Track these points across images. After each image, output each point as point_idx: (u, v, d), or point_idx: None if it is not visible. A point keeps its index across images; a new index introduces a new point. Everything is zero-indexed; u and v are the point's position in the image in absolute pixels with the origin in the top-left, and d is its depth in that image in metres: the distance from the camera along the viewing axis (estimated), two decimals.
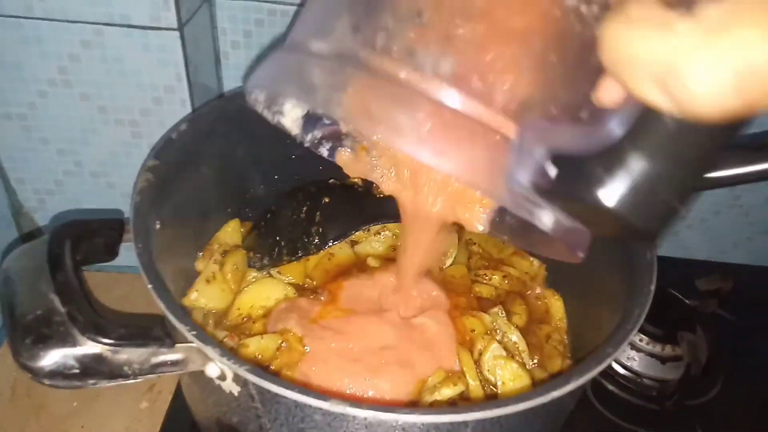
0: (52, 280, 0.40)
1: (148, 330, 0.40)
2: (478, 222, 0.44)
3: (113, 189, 0.77)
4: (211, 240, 0.67)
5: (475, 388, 0.55)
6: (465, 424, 0.37)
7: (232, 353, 0.39)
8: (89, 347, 0.38)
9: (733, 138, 0.33)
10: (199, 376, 0.42)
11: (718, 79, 0.26)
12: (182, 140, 0.58)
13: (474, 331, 0.60)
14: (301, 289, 0.65)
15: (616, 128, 0.33)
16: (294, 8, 0.72)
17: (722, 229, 0.94)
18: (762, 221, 0.92)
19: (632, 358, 0.74)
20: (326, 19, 0.38)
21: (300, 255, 0.65)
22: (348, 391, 0.53)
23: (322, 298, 0.62)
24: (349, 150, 0.50)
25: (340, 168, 0.74)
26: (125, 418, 0.69)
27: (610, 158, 0.33)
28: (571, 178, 0.34)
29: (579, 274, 0.63)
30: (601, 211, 0.33)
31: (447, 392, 0.54)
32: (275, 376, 0.38)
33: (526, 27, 0.34)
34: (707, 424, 0.70)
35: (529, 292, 0.68)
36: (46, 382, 0.38)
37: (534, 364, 0.61)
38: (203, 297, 0.60)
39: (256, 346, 0.55)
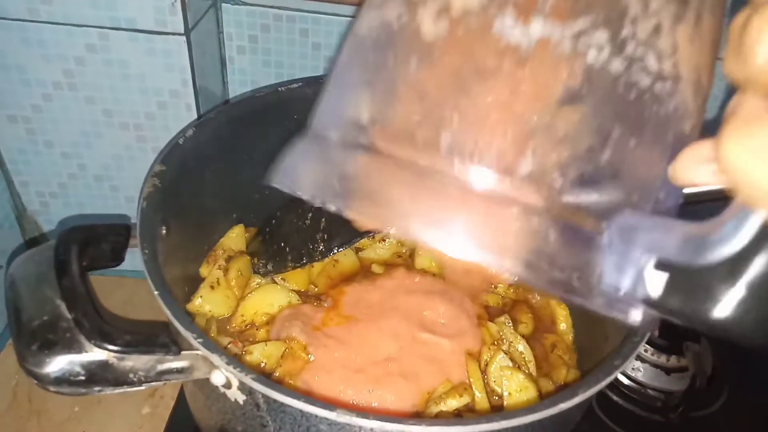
0: (58, 285, 0.40)
1: (153, 337, 0.40)
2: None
3: (117, 193, 0.76)
4: (216, 245, 0.67)
5: (481, 399, 0.55)
6: None
7: (238, 361, 0.39)
8: (95, 354, 0.38)
9: None
10: (204, 383, 0.42)
11: None
12: (188, 146, 0.58)
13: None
14: (304, 296, 0.65)
15: (728, 235, 0.28)
16: (300, 14, 0.72)
17: None
18: None
19: (637, 368, 0.73)
20: (342, 108, 0.36)
21: (305, 261, 0.64)
22: (351, 402, 0.53)
23: (325, 304, 0.61)
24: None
25: None
26: (127, 423, 0.69)
27: (727, 269, 0.28)
28: (677, 289, 0.30)
29: None
30: (713, 327, 0.31)
31: (453, 403, 0.53)
32: (281, 385, 0.38)
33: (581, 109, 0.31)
34: None
35: (534, 301, 0.68)
36: (52, 388, 0.38)
37: (542, 374, 0.60)
38: (207, 303, 0.60)
39: (260, 353, 0.55)
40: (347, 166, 0.33)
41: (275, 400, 0.38)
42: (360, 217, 0.34)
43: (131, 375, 0.39)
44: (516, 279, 0.41)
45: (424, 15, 0.31)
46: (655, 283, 0.30)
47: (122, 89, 0.67)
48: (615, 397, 0.73)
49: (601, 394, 0.72)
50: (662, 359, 0.72)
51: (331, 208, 0.35)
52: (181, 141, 0.57)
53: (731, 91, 0.27)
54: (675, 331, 0.74)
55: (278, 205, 0.71)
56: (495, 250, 0.30)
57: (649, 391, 0.73)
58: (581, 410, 0.47)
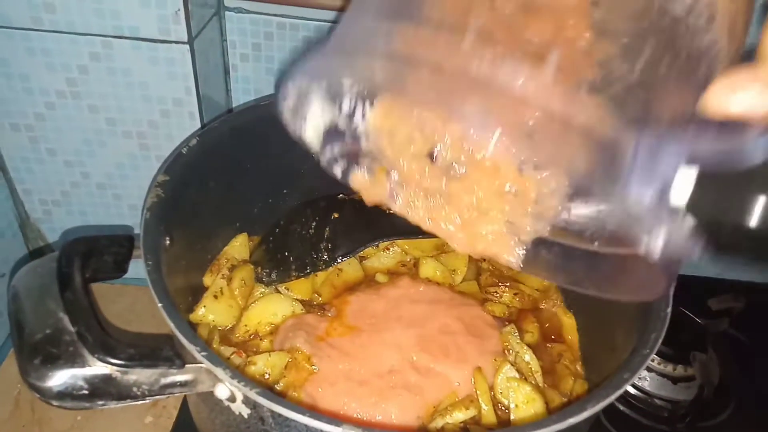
0: (61, 298, 0.40)
1: (157, 350, 0.39)
2: (512, 257, 0.42)
3: (120, 201, 0.76)
4: (219, 255, 0.67)
5: (488, 412, 0.54)
6: None
7: (242, 375, 0.39)
8: (98, 368, 0.37)
9: None
10: (208, 396, 0.42)
11: None
12: (192, 155, 0.57)
13: None
14: (308, 305, 0.64)
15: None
16: (303, 22, 0.71)
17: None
18: None
19: (643, 378, 0.73)
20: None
21: (308, 271, 0.64)
22: (355, 415, 0.52)
23: (329, 314, 0.61)
24: (366, 171, 0.48)
25: (346, 185, 0.74)
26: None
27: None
28: (705, 199, 0.30)
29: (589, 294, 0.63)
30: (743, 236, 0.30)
31: (459, 416, 0.53)
32: (286, 400, 0.37)
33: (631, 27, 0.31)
34: None
35: (540, 309, 0.67)
36: (55, 403, 0.37)
37: (549, 384, 0.60)
38: (210, 313, 0.60)
39: (263, 364, 0.55)
40: (377, 61, 0.34)
41: (280, 415, 0.37)
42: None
43: (135, 389, 0.38)
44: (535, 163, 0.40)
45: None
46: (683, 192, 0.30)
47: (125, 98, 0.66)
48: (621, 407, 0.72)
49: (608, 405, 0.71)
50: (669, 368, 0.71)
51: (368, 88, 0.35)
52: (184, 151, 0.57)
53: None
54: (682, 340, 0.73)
55: (281, 214, 0.70)
56: (519, 134, 0.30)
57: (656, 400, 0.72)
58: (589, 423, 0.47)
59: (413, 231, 0.66)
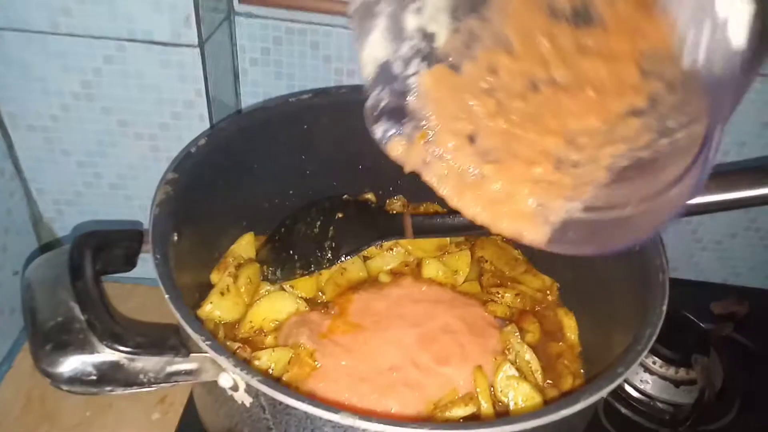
0: (72, 288, 0.41)
1: (163, 339, 0.41)
2: (537, 236, 0.43)
3: (131, 201, 0.78)
4: (226, 253, 0.68)
5: (487, 409, 0.55)
6: None
7: (245, 364, 0.40)
8: (107, 355, 0.39)
9: None
10: (212, 386, 0.43)
11: None
12: (200, 155, 0.59)
13: None
14: (312, 303, 0.66)
15: None
16: (311, 27, 0.73)
17: (738, 252, 0.93)
18: None
19: (645, 381, 0.73)
20: None
21: (312, 269, 0.65)
22: None
23: (332, 312, 0.62)
24: (406, 137, 0.48)
25: (354, 184, 0.75)
26: (137, 428, 0.70)
27: None
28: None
29: (591, 292, 0.64)
30: None
31: (458, 412, 0.54)
32: (286, 388, 0.39)
33: None
34: None
35: (541, 309, 0.68)
36: (65, 387, 0.39)
37: (549, 383, 0.60)
38: (217, 309, 0.61)
39: (267, 358, 0.56)
40: None
41: (281, 403, 0.38)
42: None
43: (141, 376, 0.40)
44: None
45: None
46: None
47: (138, 100, 0.68)
48: (623, 410, 0.73)
49: (609, 407, 0.72)
50: (671, 371, 0.72)
51: None
52: (193, 150, 0.59)
53: None
54: (684, 343, 0.73)
55: (288, 214, 0.72)
56: None
57: (658, 403, 0.72)
58: (585, 418, 0.48)
59: (417, 231, 0.68)
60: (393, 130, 0.50)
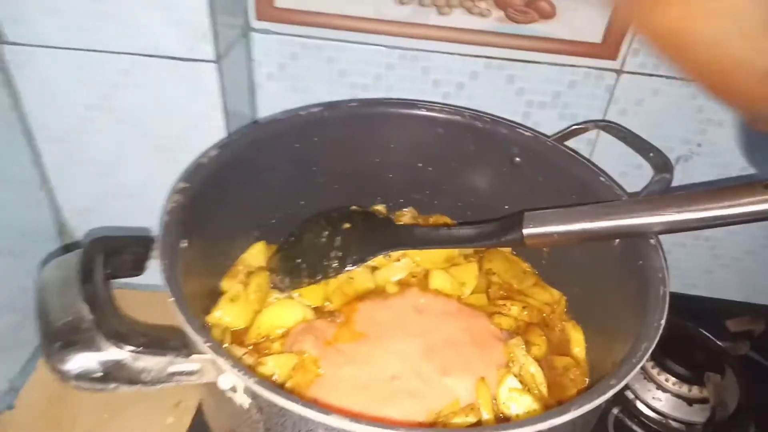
0: (81, 290, 0.43)
1: (166, 340, 0.42)
2: None
3: (150, 209, 0.79)
4: (237, 261, 0.70)
5: (489, 421, 0.55)
6: None
7: (242, 365, 0.41)
8: (112, 353, 0.40)
9: None
10: (215, 389, 0.44)
11: None
12: (212, 165, 0.61)
13: None
14: (319, 311, 0.67)
15: None
16: (326, 42, 0.75)
17: (759, 269, 0.91)
18: None
19: (658, 398, 0.72)
20: None
21: (319, 278, 0.66)
22: None
23: (338, 320, 0.63)
24: None
25: (364, 196, 0.77)
26: (152, 431, 0.71)
27: None
28: None
29: (598, 306, 0.64)
30: None
31: (459, 422, 0.54)
32: (281, 390, 0.40)
33: None
34: None
35: (548, 323, 0.68)
36: (72, 383, 0.40)
37: (551, 398, 0.60)
38: (227, 315, 0.63)
39: (273, 364, 0.57)
40: None
41: (275, 404, 0.39)
42: None
43: (144, 374, 0.41)
44: None
45: None
46: None
47: (155, 113, 0.70)
48: (635, 427, 0.72)
49: (620, 423, 0.71)
50: (684, 389, 0.71)
51: None
52: (204, 161, 0.60)
53: None
54: (698, 360, 0.72)
55: (298, 225, 0.73)
56: None
57: (671, 422, 0.71)
58: (577, 430, 0.47)
59: (422, 242, 0.68)
60: None
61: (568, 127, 0.75)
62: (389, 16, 0.73)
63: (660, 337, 0.73)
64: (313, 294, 0.67)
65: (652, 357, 0.73)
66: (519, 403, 0.56)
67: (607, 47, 0.73)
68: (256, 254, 0.70)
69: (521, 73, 0.76)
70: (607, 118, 0.78)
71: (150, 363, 0.41)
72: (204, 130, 0.71)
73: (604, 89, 0.76)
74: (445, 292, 0.68)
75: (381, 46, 0.75)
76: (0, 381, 0.72)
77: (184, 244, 0.54)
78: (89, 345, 0.40)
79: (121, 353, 0.40)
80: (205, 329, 0.43)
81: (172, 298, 0.45)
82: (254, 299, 0.65)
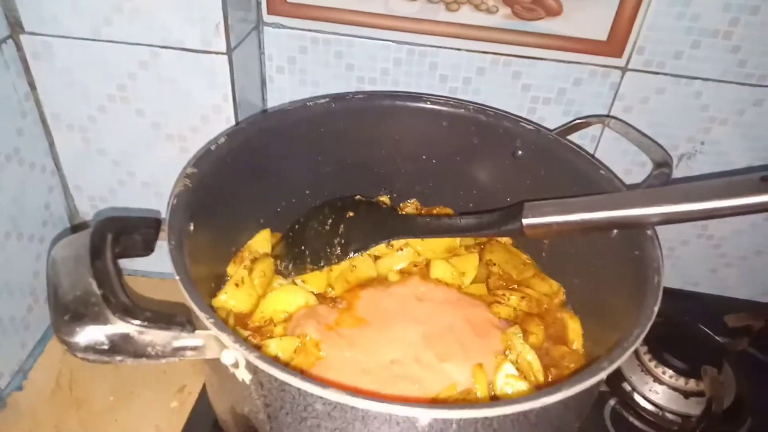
0: (91, 266, 0.45)
1: (172, 316, 0.44)
2: None
3: (161, 198, 0.82)
4: (243, 247, 0.71)
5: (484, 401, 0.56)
6: (450, 422, 0.39)
7: (245, 341, 0.43)
8: (119, 327, 0.42)
9: None
10: (218, 365, 0.45)
11: None
12: (220, 152, 0.62)
13: None
14: (322, 297, 0.68)
15: None
16: (335, 37, 0.77)
17: (763, 268, 0.92)
18: None
19: (655, 391, 0.73)
20: None
21: (322, 264, 0.68)
22: None
23: (340, 306, 0.65)
24: None
25: (368, 186, 0.78)
26: (156, 414, 0.73)
27: None
28: None
29: (595, 296, 0.64)
30: None
31: None
32: (280, 364, 0.41)
33: None
34: None
35: (547, 313, 0.69)
36: (80, 355, 0.42)
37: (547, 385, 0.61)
38: (231, 299, 0.64)
39: (275, 347, 0.59)
40: None
41: (276, 378, 0.41)
42: None
43: (149, 348, 0.43)
44: None
45: None
46: None
47: (169, 103, 0.72)
48: (632, 419, 0.72)
49: (617, 416, 0.72)
50: (680, 382, 0.71)
51: None
52: (213, 147, 0.62)
53: None
54: (695, 354, 0.73)
55: (303, 212, 0.75)
56: None
57: (667, 414, 0.72)
58: (572, 413, 0.48)
59: (423, 231, 0.70)
60: None
61: (570, 122, 0.76)
62: (398, 12, 0.74)
63: (659, 331, 0.74)
64: (316, 280, 0.69)
65: (650, 350, 0.74)
66: (515, 389, 0.57)
67: (613, 45, 0.74)
68: (262, 241, 0.72)
69: (527, 69, 0.77)
70: (611, 114, 0.79)
71: (155, 337, 0.43)
72: (215, 120, 0.73)
73: (609, 87, 0.77)
74: (445, 281, 0.70)
75: (389, 41, 0.77)
76: (10, 362, 0.74)
77: (191, 227, 0.56)
78: (97, 318, 0.42)
79: (128, 327, 0.42)
80: (209, 307, 0.45)
81: (178, 277, 0.46)
82: (258, 284, 0.66)
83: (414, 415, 0.39)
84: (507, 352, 0.61)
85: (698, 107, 0.77)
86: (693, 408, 0.71)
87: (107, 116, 0.74)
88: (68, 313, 0.42)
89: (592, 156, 0.68)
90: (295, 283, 0.68)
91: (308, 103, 0.71)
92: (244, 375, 0.44)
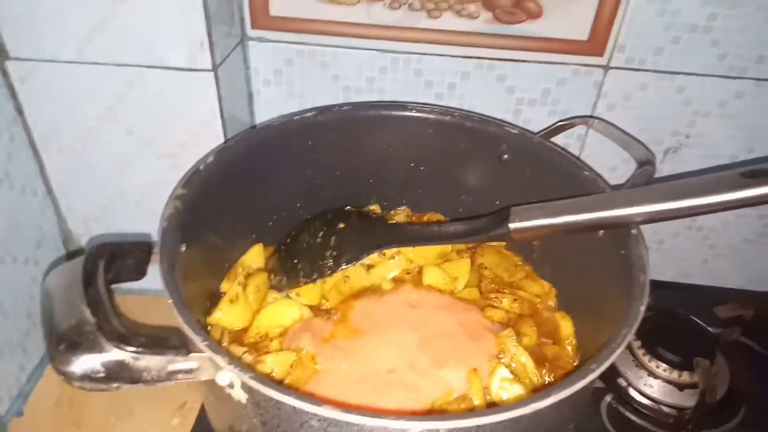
0: (84, 294, 0.45)
1: (166, 340, 0.44)
2: None
3: (153, 216, 0.80)
4: (236, 263, 0.72)
5: (480, 409, 0.57)
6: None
7: (238, 362, 0.43)
8: (114, 354, 0.43)
9: None
10: (214, 386, 0.46)
11: None
12: (209, 171, 0.63)
13: None
14: (316, 310, 0.69)
15: None
16: (320, 48, 0.77)
17: (754, 257, 0.93)
18: None
19: (650, 385, 0.74)
20: None
21: (315, 277, 0.69)
22: None
23: (334, 317, 0.65)
24: None
25: (359, 196, 0.79)
26: None
27: None
28: None
29: (584, 296, 0.65)
30: None
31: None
32: (275, 384, 0.42)
33: None
34: None
35: (539, 314, 0.70)
36: (77, 384, 0.43)
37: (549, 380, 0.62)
38: (227, 316, 0.65)
39: (272, 362, 0.59)
40: None
41: (270, 398, 0.41)
42: None
43: (145, 373, 0.43)
44: None
45: None
46: None
47: (158, 121, 0.73)
48: (628, 414, 0.73)
49: (614, 411, 0.73)
50: (674, 375, 0.72)
51: None
52: (201, 167, 0.63)
53: None
54: (688, 347, 0.74)
55: (295, 225, 0.75)
56: None
57: (663, 407, 0.73)
58: (565, 414, 0.49)
59: (414, 239, 0.70)
60: None
61: (554, 124, 0.77)
62: (380, 21, 0.75)
63: (651, 325, 0.76)
64: (310, 293, 0.69)
65: (644, 344, 0.75)
66: (510, 392, 0.58)
67: (594, 44, 0.74)
68: (254, 256, 0.72)
69: (511, 72, 0.77)
70: (596, 113, 0.80)
71: (150, 362, 0.43)
72: (204, 136, 0.73)
73: (592, 85, 0.77)
74: (438, 287, 0.70)
75: (373, 50, 0.77)
76: (9, 387, 0.75)
77: (182, 248, 0.56)
78: (92, 347, 0.43)
79: (123, 354, 0.43)
80: (202, 329, 0.45)
81: (171, 300, 0.47)
82: (253, 300, 0.67)
83: (406, 428, 0.40)
84: (501, 356, 0.62)
85: (681, 101, 0.78)
86: (688, 400, 0.72)
87: (96, 136, 0.74)
88: (63, 342, 0.43)
89: (576, 157, 0.68)
90: (290, 297, 0.69)
91: (295, 117, 0.72)
92: (240, 395, 0.45)
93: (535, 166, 0.70)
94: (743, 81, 0.76)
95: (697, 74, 0.76)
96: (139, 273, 0.54)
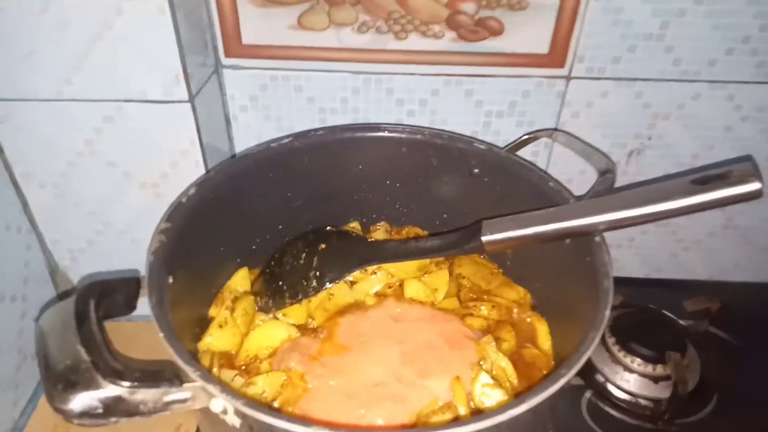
0: (78, 333, 0.47)
1: (159, 373, 0.47)
2: None
3: (139, 245, 0.84)
4: (223, 288, 0.74)
5: (465, 416, 0.60)
6: None
7: (231, 390, 0.46)
8: (110, 390, 0.45)
9: None
10: (209, 412, 0.48)
11: None
12: (191, 203, 0.65)
13: None
14: (303, 329, 0.71)
15: None
16: (294, 73, 0.79)
17: (720, 249, 0.97)
18: (760, 240, 0.95)
19: (626, 379, 0.77)
20: None
21: (300, 297, 0.71)
22: None
23: (321, 335, 0.68)
24: None
25: (338, 215, 0.81)
26: None
27: None
28: None
29: (557, 300, 0.69)
30: None
31: (438, 420, 0.58)
32: (266, 408, 0.44)
33: None
34: None
35: (516, 319, 0.72)
36: (76, 421, 0.45)
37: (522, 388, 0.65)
38: (216, 341, 0.67)
39: (263, 383, 0.62)
40: None
41: (263, 422, 0.44)
42: None
43: (141, 406, 0.45)
44: None
45: None
46: None
47: (138, 153, 0.75)
48: (607, 408, 0.77)
49: (593, 406, 0.76)
50: (649, 369, 0.76)
51: None
52: (184, 200, 0.65)
53: None
54: (661, 341, 0.77)
55: (277, 248, 0.78)
56: None
57: (640, 400, 0.76)
58: (542, 416, 0.52)
59: (393, 255, 0.73)
60: None
61: (520, 138, 0.80)
62: (350, 45, 0.77)
63: (625, 322, 0.79)
64: (296, 313, 0.72)
65: (618, 341, 0.78)
66: (491, 398, 0.60)
67: (555, 57, 0.78)
68: (240, 280, 0.74)
69: (478, 86, 0.81)
70: (560, 121, 0.83)
71: (146, 395, 0.45)
72: (185, 166, 0.76)
73: (555, 95, 0.81)
74: (419, 299, 0.73)
75: (345, 72, 0.80)
76: (3, 423, 0.76)
77: (170, 280, 0.58)
78: (89, 384, 0.45)
79: (119, 389, 0.45)
80: (194, 359, 0.47)
81: (162, 334, 0.49)
82: (241, 323, 0.69)
83: None
84: (482, 362, 0.65)
85: (641, 105, 0.82)
86: (663, 392, 0.75)
87: (78, 170, 0.76)
88: (60, 382, 0.45)
89: (541, 169, 0.72)
90: (277, 318, 0.71)
91: (272, 144, 0.74)
92: (233, 420, 0.47)
93: (504, 179, 0.73)
94: (698, 84, 0.79)
95: (655, 79, 0.79)
96: (129, 308, 0.56)
